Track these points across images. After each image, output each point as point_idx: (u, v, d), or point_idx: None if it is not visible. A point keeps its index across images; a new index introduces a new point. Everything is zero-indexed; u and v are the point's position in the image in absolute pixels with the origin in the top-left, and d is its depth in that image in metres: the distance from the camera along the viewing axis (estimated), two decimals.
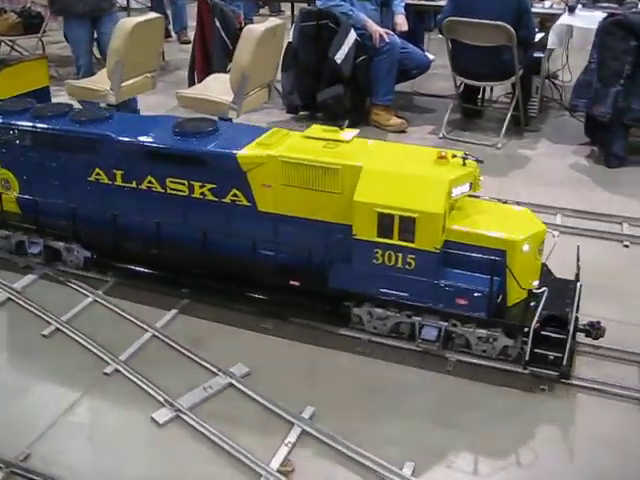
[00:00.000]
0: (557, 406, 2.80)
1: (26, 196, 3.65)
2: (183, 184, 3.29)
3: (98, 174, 3.45)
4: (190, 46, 6.47)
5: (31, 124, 3.56)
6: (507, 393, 2.86)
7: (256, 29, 4.62)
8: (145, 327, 3.22)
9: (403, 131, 5.71)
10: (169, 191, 3.32)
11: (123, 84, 5.07)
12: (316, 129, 3.25)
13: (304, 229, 3.13)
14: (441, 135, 5.58)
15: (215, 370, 2.94)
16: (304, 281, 3.13)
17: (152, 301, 3.42)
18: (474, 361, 3.00)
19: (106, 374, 2.95)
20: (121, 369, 2.96)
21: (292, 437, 2.61)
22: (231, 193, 3.22)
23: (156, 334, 3.18)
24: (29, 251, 3.68)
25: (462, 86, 5.74)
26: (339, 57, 5.47)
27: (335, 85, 5.60)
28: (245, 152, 3.14)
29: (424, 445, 2.61)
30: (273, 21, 4.92)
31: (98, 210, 3.46)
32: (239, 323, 3.27)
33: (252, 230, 3.20)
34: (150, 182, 3.35)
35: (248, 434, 2.63)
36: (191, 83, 6.01)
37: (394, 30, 5.83)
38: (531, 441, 2.63)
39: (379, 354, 3.08)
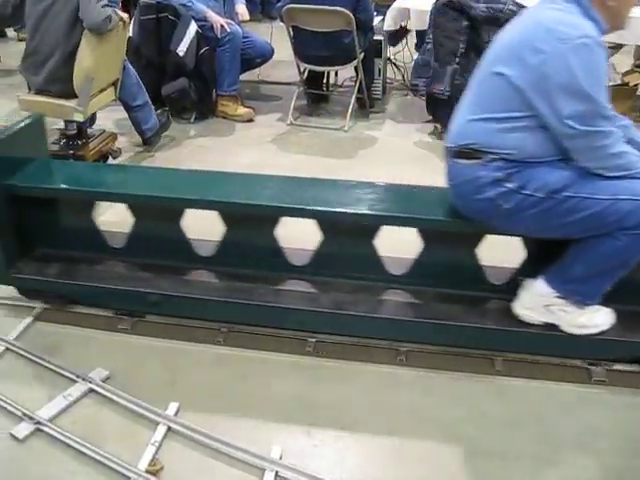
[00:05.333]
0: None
1: None
2: None
3: None
4: None
5: None
6: (365, 370, 2.95)
7: None
8: None
9: (251, 120, 5.72)
10: None
11: None
12: None
13: None
14: (288, 122, 5.62)
15: (74, 377, 2.85)
16: None
17: (3, 312, 3.29)
18: (337, 341, 3.07)
19: None
20: None
21: (158, 436, 2.57)
22: None
23: (9, 347, 3.06)
24: None
25: (306, 72, 5.81)
26: (181, 50, 5.41)
27: (179, 78, 5.54)
28: None
29: (290, 428, 2.65)
30: None
31: None
32: (95, 326, 3.19)
33: None
34: None
35: (113, 438, 2.59)
36: None
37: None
38: (394, 414, 2.73)
39: (239, 343, 3.08)
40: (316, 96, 6.10)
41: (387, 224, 2.92)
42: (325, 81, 6.22)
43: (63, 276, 3.21)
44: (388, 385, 2.86)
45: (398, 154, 5.08)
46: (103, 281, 3.17)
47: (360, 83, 5.67)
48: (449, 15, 5.11)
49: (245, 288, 3.07)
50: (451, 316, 2.87)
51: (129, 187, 3.20)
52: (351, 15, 5.19)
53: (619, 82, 5.86)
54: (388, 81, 6.38)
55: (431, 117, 5.54)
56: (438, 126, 5.45)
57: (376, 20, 5.84)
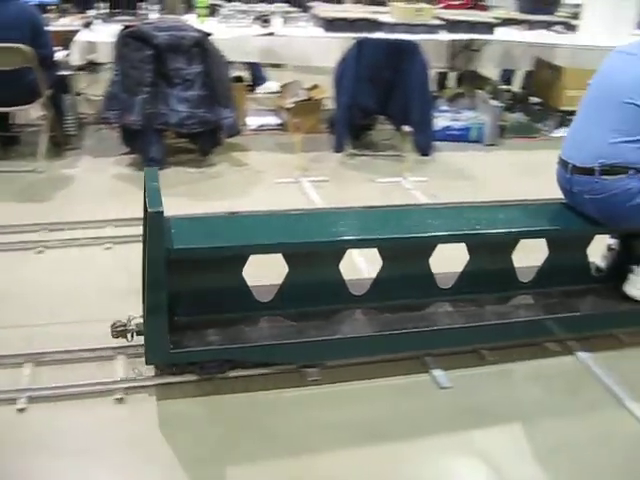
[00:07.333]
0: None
1: None
2: None
3: None
4: None
5: None
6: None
7: None
8: None
9: None
10: None
11: None
12: None
13: None
14: None
15: None
16: None
17: None
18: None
19: None
20: None
21: None
22: None
23: None
24: None
25: None
26: None
27: None
28: None
29: None
30: None
31: None
32: None
33: None
34: None
35: None
36: None
37: None
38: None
39: None
40: (6, 138, 5.76)
41: (524, 238, 3.27)
42: (12, 122, 5.90)
43: (230, 341, 2.92)
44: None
45: (98, 190, 4.95)
46: (277, 337, 2.97)
47: (51, 121, 5.46)
48: (132, 45, 5.11)
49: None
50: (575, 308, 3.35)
51: (286, 236, 3.05)
52: (31, 51, 4.99)
53: (305, 97, 6.20)
54: (83, 116, 6.21)
55: (129, 149, 5.47)
56: (136, 157, 5.40)
57: (61, 54, 5.66)
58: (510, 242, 3.29)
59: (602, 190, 3.14)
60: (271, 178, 5.16)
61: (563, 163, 3.31)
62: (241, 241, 2.96)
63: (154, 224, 2.62)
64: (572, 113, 6.54)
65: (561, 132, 6.83)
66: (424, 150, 5.81)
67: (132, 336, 2.94)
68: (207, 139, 5.36)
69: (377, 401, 2.91)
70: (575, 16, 7.31)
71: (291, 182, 5.05)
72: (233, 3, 7.06)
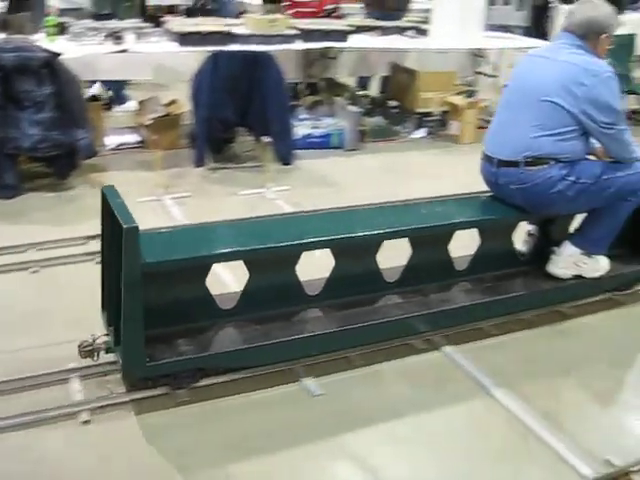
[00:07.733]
0: None
1: None
2: None
3: None
4: None
5: None
6: None
7: None
8: None
9: None
10: None
11: None
12: None
13: None
14: None
15: None
16: None
17: None
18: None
19: None
20: None
21: None
22: None
23: None
24: None
25: None
26: None
27: None
28: None
29: None
30: None
31: None
32: None
33: None
34: None
35: None
36: None
37: None
38: None
39: None
40: None
41: (460, 229, 3.54)
42: None
43: (203, 349, 2.98)
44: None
45: None
46: (248, 342, 3.07)
47: None
48: None
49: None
50: (509, 290, 3.66)
51: (248, 243, 3.11)
52: None
53: (163, 113, 6.12)
54: None
55: None
56: None
57: None
58: (447, 234, 3.53)
59: (526, 180, 3.45)
60: (132, 197, 4.95)
61: (488, 158, 3.62)
62: (207, 251, 3.03)
63: (130, 240, 2.62)
64: (428, 114, 7.02)
65: (419, 133, 7.07)
66: (285, 159, 5.85)
67: (98, 355, 2.97)
68: (63, 162, 5.18)
69: (249, 416, 2.90)
70: (425, 21, 7.53)
71: (153, 200, 4.98)
72: (83, 21, 6.89)
